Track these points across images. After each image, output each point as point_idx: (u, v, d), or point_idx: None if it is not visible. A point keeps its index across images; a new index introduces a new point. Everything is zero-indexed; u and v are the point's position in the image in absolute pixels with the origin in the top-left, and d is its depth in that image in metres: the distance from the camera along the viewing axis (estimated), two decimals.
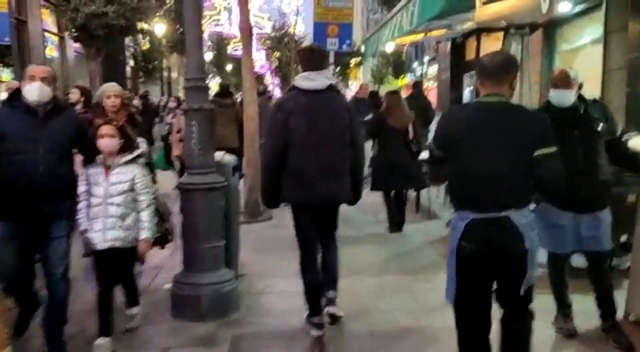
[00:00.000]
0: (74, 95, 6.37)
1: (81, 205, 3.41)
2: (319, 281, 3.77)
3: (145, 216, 3.43)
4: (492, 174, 2.56)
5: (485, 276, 2.64)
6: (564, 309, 3.70)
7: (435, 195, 7.35)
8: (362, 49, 18.29)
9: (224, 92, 9.21)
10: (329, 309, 3.80)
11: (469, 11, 7.02)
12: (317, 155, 3.55)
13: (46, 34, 15.81)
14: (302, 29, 37.24)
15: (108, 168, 3.39)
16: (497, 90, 2.65)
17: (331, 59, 17.52)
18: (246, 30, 7.26)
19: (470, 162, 2.62)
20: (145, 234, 3.43)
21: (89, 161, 3.49)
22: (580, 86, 3.56)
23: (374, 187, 6.61)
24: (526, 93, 6.64)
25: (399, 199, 6.62)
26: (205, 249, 3.92)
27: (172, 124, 8.77)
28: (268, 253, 5.53)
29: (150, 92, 23.58)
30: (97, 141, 3.36)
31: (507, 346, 2.74)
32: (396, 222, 6.55)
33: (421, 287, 4.51)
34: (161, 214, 3.80)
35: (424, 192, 7.45)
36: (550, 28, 8.16)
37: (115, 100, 4.23)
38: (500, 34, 7.66)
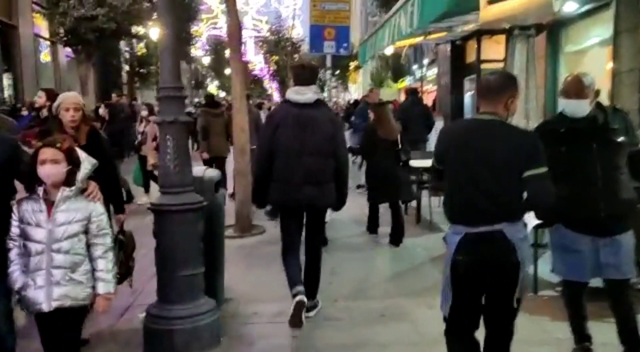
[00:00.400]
0: (40, 99, 5.87)
1: (13, 254, 2.65)
2: (299, 262, 4.11)
3: (103, 264, 2.69)
4: (482, 189, 2.57)
5: (478, 288, 2.66)
6: (582, 342, 3.33)
7: (436, 205, 6.99)
8: (359, 52, 17.96)
9: (213, 102, 9.00)
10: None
11: (472, 13, 6.65)
12: (301, 162, 3.89)
13: (40, 39, 15.51)
14: (300, 32, 37.06)
15: (52, 204, 2.61)
16: (491, 109, 2.67)
17: (329, 62, 17.15)
18: (235, 33, 6.94)
19: (461, 177, 2.66)
20: (103, 288, 2.70)
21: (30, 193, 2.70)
22: (597, 94, 3.20)
23: (369, 199, 6.60)
24: (532, 98, 6.30)
25: (395, 210, 6.33)
26: (181, 277, 3.50)
27: (145, 132, 8.39)
28: (259, 272, 5.23)
29: (145, 97, 23.30)
30: (37, 168, 2.59)
31: None
32: (375, 226, 6.62)
33: (423, 314, 4.16)
34: (125, 250, 3.24)
35: (424, 202, 7.17)
36: (555, 29, 7.82)
37: (75, 114, 3.57)
38: (502, 37, 7.31)
